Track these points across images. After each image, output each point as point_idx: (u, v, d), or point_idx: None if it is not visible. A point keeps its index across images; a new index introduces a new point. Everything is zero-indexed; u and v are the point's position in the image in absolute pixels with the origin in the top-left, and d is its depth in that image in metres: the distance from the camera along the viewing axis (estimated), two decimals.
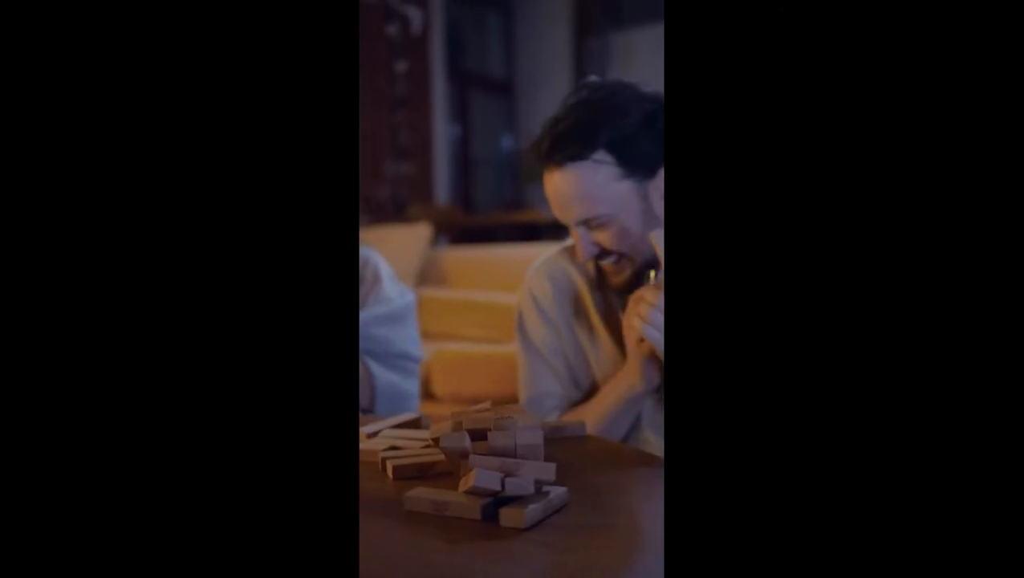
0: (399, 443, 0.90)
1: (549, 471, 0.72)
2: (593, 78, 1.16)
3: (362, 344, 1.38)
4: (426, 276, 3.24)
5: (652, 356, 1.08)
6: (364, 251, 1.48)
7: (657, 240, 1.04)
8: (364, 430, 0.95)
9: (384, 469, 0.84)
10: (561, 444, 0.93)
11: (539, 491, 0.71)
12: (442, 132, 5.42)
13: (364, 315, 1.40)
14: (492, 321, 2.71)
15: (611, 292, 1.22)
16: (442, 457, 0.80)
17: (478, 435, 0.81)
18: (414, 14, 4.93)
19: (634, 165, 1.10)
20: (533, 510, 0.67)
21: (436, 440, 0.83)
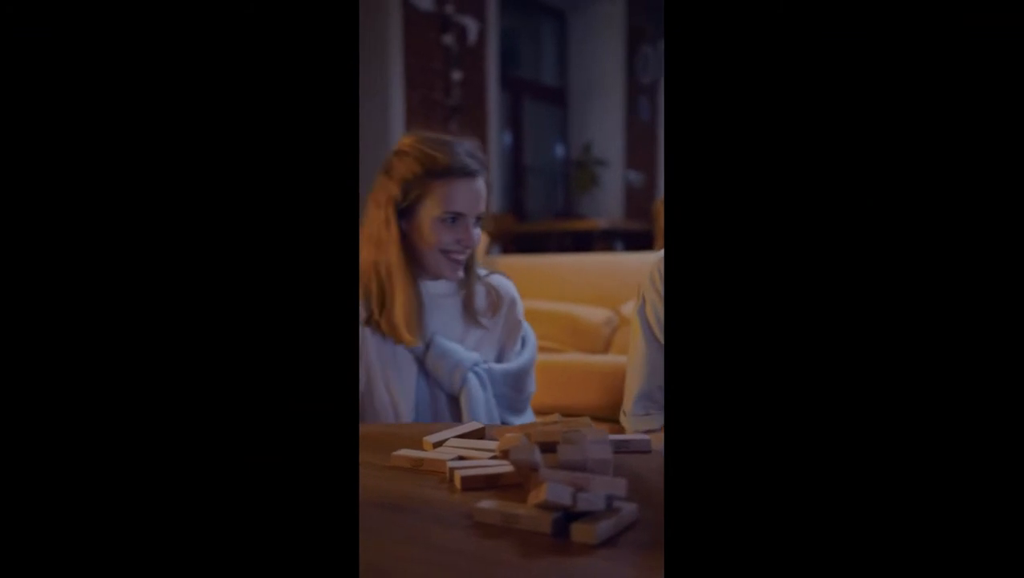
0: (465, 453, 0.90)
1: (620, 486, 0.71)
2: None
3: (511, 393, 1.38)
4: None
5: None
6: (509, 288, 1.43)
7: None
8: (429, 439, 0.96)
9: (451, 479, 0.84)
10: (627, 458, 0.92)
11: (610, 507, 0.70)
12: (496, 140, 5.44)
13: (520, 364, 1.40)
14: (546, 330, 2.71)
15: None
16: (510, 469, 0.80)
17: (546, 448, 0.81)
18: (470, 24, 4.96)
19: None
20: (604, 526, 0.67)
21: (504, 452, 0.83)
